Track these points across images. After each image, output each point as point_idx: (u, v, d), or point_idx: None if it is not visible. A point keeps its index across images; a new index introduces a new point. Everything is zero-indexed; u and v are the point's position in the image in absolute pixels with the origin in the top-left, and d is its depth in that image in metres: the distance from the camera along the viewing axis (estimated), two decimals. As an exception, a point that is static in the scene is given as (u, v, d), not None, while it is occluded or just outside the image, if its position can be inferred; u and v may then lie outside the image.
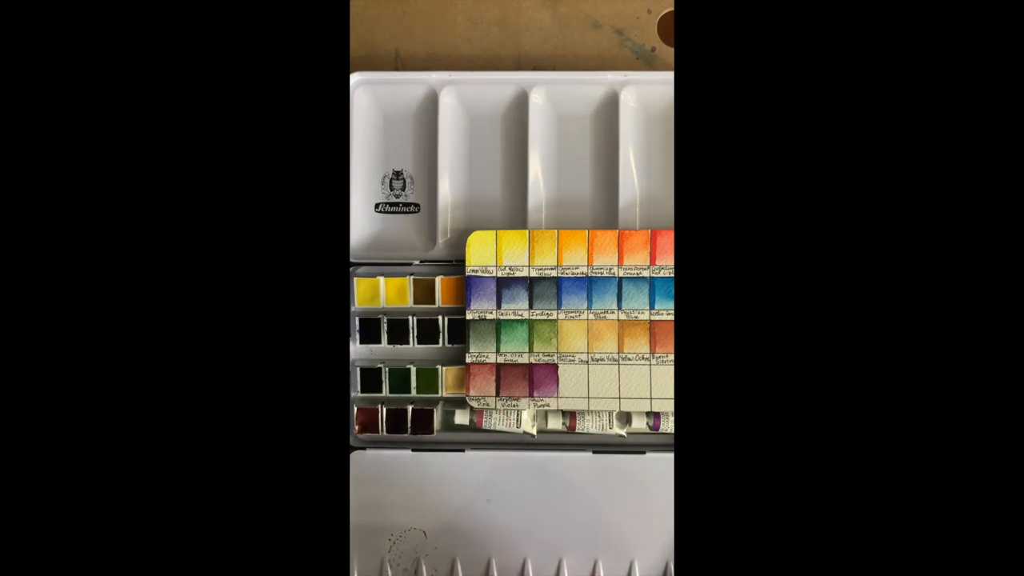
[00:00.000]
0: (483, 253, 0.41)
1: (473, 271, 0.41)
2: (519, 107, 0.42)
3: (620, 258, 0.41)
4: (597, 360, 0.41)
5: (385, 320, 0.42)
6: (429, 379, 0.42)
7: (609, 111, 0.42)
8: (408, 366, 0.42)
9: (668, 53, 0.44)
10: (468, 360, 0.41)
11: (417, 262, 0.42)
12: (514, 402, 0.41)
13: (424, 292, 0.42)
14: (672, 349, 0.40)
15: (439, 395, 0.42)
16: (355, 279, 0.42)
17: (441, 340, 0.42)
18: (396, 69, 0.44)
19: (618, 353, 0.40)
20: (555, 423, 0.41)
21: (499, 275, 0.41)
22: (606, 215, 0.42)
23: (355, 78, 0.42)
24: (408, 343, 0.42)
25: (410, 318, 0.42)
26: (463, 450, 0.41)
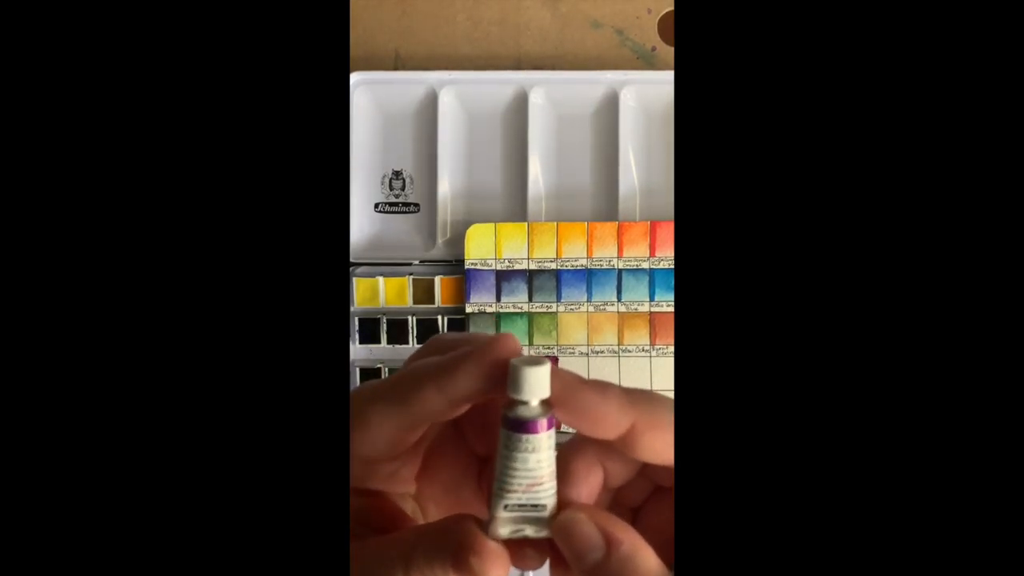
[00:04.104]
0: (482, 246, 0.41)
1: (472, 264, 0.41)
2: (519, 107, 0.42)
3: (620, 250, 0.41)
4: (597, 352, 0.40)
5: (384, 320, 0.42)
6: (429, 379, 0.42)
7: (609, 111, 0.42)
8: (408, 366, 0.42)
9: (668, 53, 0.44)
10: (468, 354, 0.41)
11: (417, 262, 0.42)
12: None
13: (423, 292, 0.42)
14: (672, 341, 0.40)
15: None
16: (355, 279, 0.42)
17: (441, 340, 0.42)
18: (396, 69, 0.44)
19: (618, 345, 0.40)
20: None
21: (498, 268, 0.41)
22: (606, 213, 0.42)
23: (355, 78, 0.42)
24: (408, 343, 0.42)
25: (409, 318, 0.42)
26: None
